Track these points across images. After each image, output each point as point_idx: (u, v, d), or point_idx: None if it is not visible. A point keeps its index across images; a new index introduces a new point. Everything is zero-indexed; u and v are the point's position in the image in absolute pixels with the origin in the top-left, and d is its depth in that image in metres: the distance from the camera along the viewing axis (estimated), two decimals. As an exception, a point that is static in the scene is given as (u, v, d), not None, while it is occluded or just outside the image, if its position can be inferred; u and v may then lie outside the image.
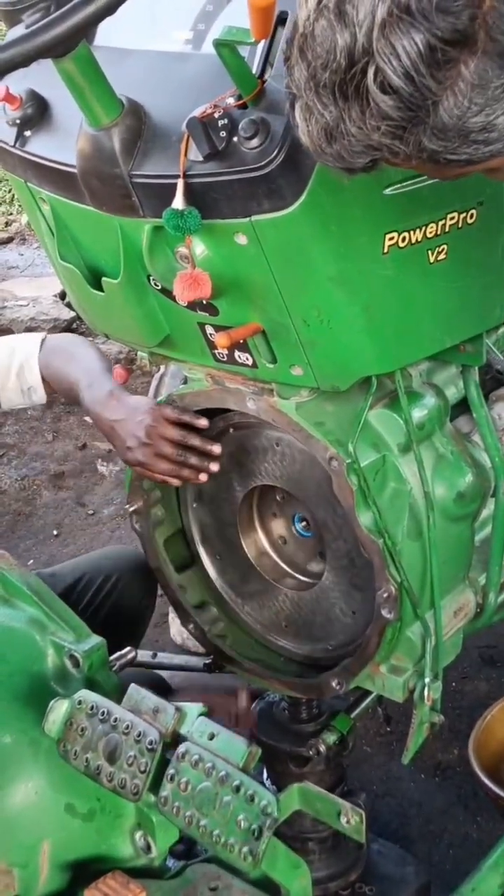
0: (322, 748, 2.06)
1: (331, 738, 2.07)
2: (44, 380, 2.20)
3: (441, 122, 1.00)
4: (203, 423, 1.90)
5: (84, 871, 1.45)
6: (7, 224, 7.29)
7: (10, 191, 7.48)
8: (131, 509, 2.12)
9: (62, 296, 5.71)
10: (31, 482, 4.38)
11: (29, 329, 5.44)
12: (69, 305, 5.57)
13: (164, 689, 2.44)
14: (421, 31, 0.95)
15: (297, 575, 2.09)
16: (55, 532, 4.14)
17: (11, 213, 7.38)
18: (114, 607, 2.31)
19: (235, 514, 2.07)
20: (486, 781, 2.39)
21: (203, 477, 1.92)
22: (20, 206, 7.28)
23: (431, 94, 0.98)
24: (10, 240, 7.07)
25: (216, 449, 1.92)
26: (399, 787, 2.82)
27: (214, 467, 1.93)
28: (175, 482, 1.94)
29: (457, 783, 2.82)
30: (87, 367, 2.09)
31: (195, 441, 1.90)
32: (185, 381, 1.98)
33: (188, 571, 2.18)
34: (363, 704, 2.15)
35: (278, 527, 2.09)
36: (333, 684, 1.95)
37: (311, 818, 1.45)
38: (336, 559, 1.93)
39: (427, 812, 2.74)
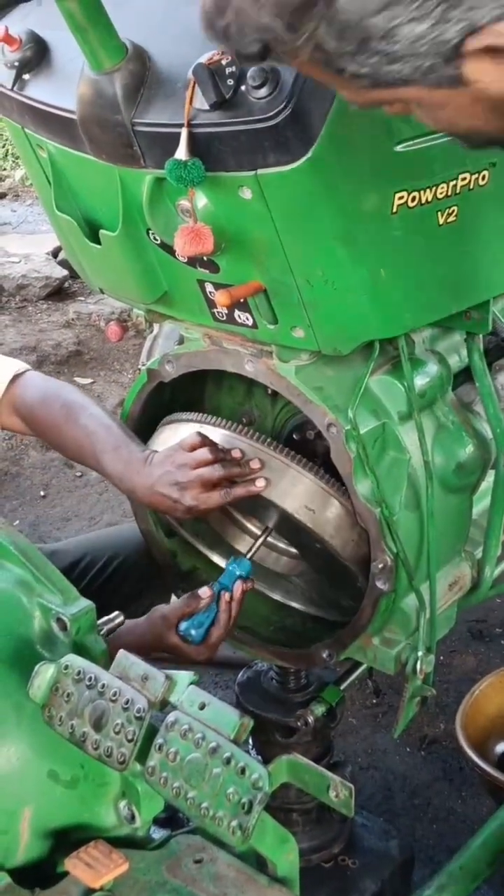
0: (310, 719, 2.02)
1: (319, 709, 2.04)
2: (20, 418, 2.00)
3: (338, 13, 0.92)
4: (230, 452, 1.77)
5: (66, 839, 1.41)
6: (0, 179, 7.20)
7: (3, 146, 7.38)
8: (122, 471, 2.07)
9: (54, 253, 5.65)
10: (19, 442, 4.33)
11: (21, 286, 5.38)
12: (62, 264, 5.51)
13: None
14: None
15: (282, 557, 2.06)
16: (42, 493, 4.09)
17: (4, 169, 7.29)
18: (115, 590, 2.20)
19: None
20: (474, 757, 2.37)
21: (260, 483, 1.73)
22: (14, 161, 7.20)
23: None
24: (2, 196, 6.98)
25: (255, 464, 1.74)
26: (384, 759, 2.80)
27: (256, 464, 1.74)
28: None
29: (442, 757, 2.80)
30: (100, 426, 1.86)
31: (229, 454, 1.75)
32: (181, 341, 1.93)
33: (179, 537, 2.13)
34: (353, 676, 2.12)
35: (255, 525, 2.06)
36: (324, 655, 1.91)
37: (296, 789, 1.42)
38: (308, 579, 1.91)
39: (412, 786, 2.72)
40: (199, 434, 1.75)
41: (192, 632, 1.82)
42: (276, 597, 2.08)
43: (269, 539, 2.00)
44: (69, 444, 1.93)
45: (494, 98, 1.03)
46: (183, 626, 1.83)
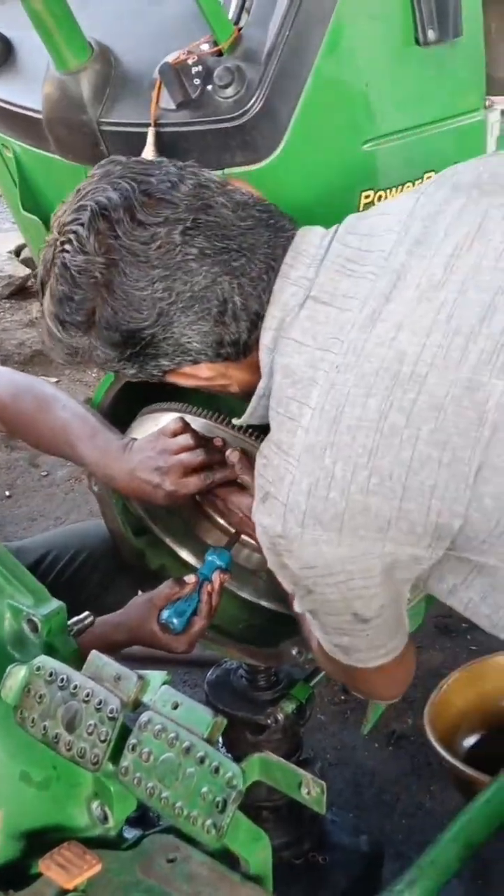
0: (280, 717, 2.03)
1: (289, 706, 2.04)
2: None
3: (91, 358, 1.47)
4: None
5: (39, 840, 1.40)
6: (-39, 178, 7.14)
7: (-36, 144, 7.32)
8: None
9: (17, 252, 5.61)
10: (-17, 442, 4.31)
11: (-17, 286, 5.35)
12: (25, 262, 5.48)
13: None
14: (51, 312, 1.45)
15: (254, 553, 2.05)
16: (7, 493, 4.06)
17: (-34, 168, 7.23)
18: (81, 584, 2.17)
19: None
20: (442, 752, 2.38)
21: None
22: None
23: (73, 339, 1.45)
24: (-37, 195, 6.93)
25: (234, 456, 1.73)
26: (353, 756, 2.81)
27: (234, 457, 1.74)
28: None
29: (411, 753, 2.81)
30: (74, 416, 1.87)
31: (211, 442, 1.75)
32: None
33: (147, 535, 2.12)
34: (322, 673, 2.12)
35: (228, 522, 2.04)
36: (293, 652, 1.91)
37: (267, 787, 1.43)
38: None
39: (380, 781, 2.73)
40: (181, 420, 1.76)
41: (174, 620, 1.82)
42: (246, 595, 2.08)
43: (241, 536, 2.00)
44: (44, 436, 1.92)
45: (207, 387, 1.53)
46: (164, 614, 1.83)
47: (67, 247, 1.39)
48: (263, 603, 2.07)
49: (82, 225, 1.37)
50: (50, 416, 1.88)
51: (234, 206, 1.39)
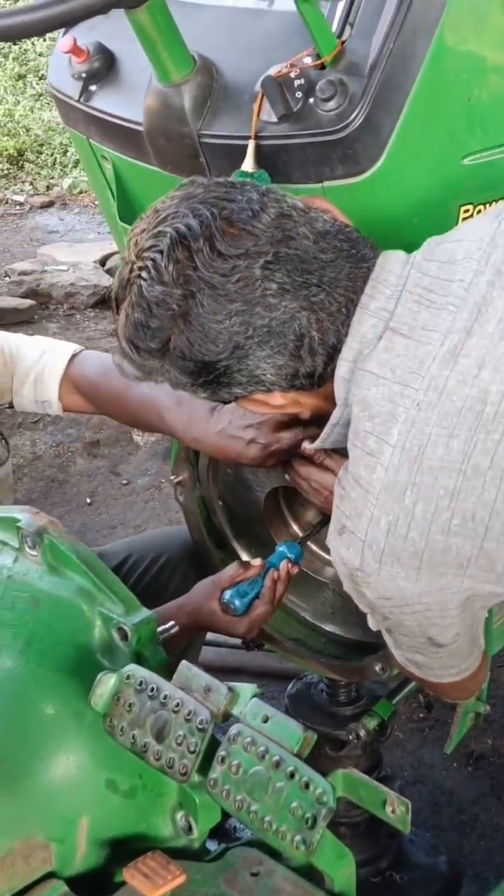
0: (362, 733, 2.01)
1: (372, 722, 2.02)
2: (83, 395, 2.05)
3: (167, 378, 1.44)
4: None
5: (122, 849, 1.40)
6: (48, 188, 7.24)
7: (52, 154, 7.43)
8: (176, 480, 2.08)
9: (102, 262, 5.67)
10: (66, 449, 4.35)
11: (69, 294, 5.41)
12: (110, 272, 5.53)
13: None
14: (125, 335, 1.43)
15: (327, 566, 2.04)
16: (88, 500, 4.10)
17: (53, 178, 7.33)
18: (160, 589, 2.19)
19: (261, 512, 2.02)
20: (523, 774, 2.35)
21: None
22: (62, 169, 7.24)
23: (147, 362, 1.43)
24: (50, 203, 7.02)
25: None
26: (431, 774, 2.78)
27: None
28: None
29: (490, 773, 2.77)
30: (160, 389, 1.83)
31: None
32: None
33: (228, 549, 2.13)
34: (405, 690, 2.10)
35: (310, 515, 2.04)
36: (377, 668, 1.90)
37: (345, 802, 1.41)
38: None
39: (459, 801, 2.70)
40: None
41: (236, 601, 1.83)
42: (327, 627, 2.07)
43: (317, 550, 2.00)
44: (133, 410, 1.95)
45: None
46: (227, 594, 1.84)
47: (144, 274, 1.36)
48: (339, 632, 2.06)
49: (161, 253, 1.34)
50: (138, 391, 1.91)
51: (315, 236, 1.36)
